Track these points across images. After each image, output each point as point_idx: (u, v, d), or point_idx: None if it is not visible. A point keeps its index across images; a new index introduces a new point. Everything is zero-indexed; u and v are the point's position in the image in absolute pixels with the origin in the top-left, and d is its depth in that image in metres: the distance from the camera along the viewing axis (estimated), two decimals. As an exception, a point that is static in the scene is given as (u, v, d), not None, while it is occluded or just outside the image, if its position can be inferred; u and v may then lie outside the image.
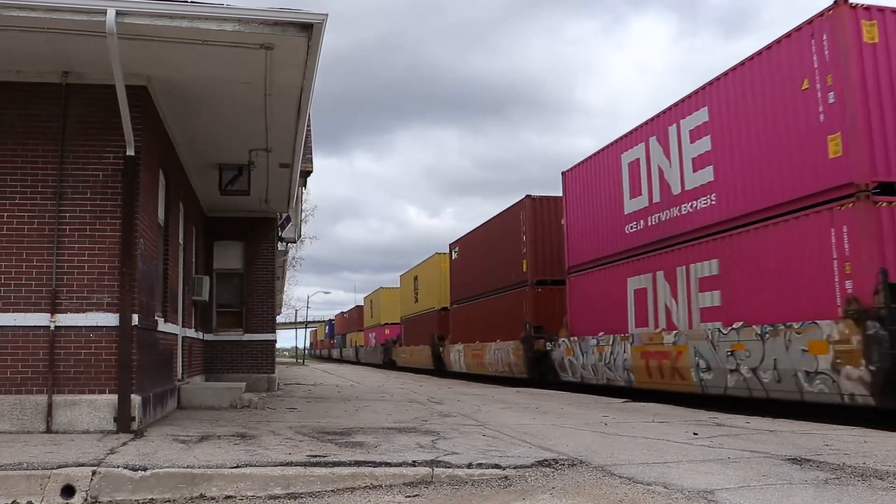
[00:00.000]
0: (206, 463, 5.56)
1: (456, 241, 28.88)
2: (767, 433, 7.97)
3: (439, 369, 30.33)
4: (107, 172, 8.04)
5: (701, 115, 13.16)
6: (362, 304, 59.94)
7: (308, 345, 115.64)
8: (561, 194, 19.38)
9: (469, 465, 5.67)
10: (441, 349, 29.72)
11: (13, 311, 7.72)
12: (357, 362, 58.45)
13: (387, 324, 46.23)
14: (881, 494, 4.75)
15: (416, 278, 36.44)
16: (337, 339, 75.87)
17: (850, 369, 9.42)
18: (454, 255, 28.94)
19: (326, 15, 7.07)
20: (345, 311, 73.36)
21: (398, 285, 43.55)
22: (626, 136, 15.82)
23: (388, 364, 43.04)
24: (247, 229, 16.29)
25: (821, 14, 10.35)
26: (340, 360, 70.08)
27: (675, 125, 13.96)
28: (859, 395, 9.35)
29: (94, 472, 5.18)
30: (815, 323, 10.00)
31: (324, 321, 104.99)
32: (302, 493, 5.17)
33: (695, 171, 13.28)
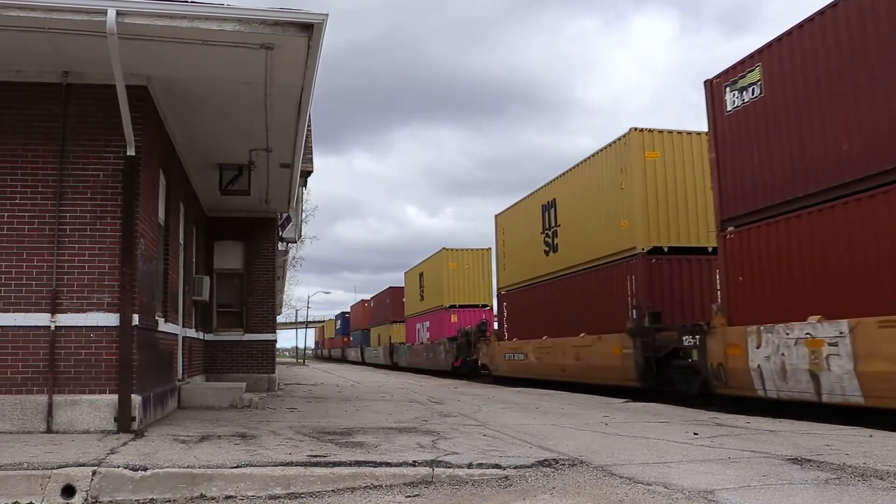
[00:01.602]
0: (206, 463, 5.56)
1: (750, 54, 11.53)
2: (768, 433, 7.96)
3: (659, 387, 13.77)
4: (107, 172, 8.04)
5: None
6: (396, 285, 43.83)
7: (313, 344, 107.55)
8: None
9: (469, 465, 5.67)
10: (702, 340, 12.23)
11: (13, 311, 7.71)
12: (392, 366, 40.63)
13: (455, 307, 31.02)
14: (882, 495, 4.74)
15: (547, 208, 19.18)
16: (355, 337, 59.85)
17: None
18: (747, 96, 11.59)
19: (327, 15, 7.07)
20: (366, 298, 56.54)
21: (472, 245, 29.74)
22: None
23: (467, 370, 26.43)
24: (247, 229, 16.29)
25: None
26: (362, 363, 52.35)
27: None
28: None
29: (94, 472, 5.18)
30: None
31: (327, 319, 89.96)
32: (302, 493, 5.17)
33: None
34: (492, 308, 29.81)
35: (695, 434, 7.90)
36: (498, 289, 23.25)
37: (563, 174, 18.87)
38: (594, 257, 16.74)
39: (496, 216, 24.08)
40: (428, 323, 33.85)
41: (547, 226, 19.47)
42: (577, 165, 18.06)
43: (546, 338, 18.97)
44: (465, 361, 26.82)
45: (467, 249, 31.63)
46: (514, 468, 5.66)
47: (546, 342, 18.97)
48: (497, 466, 5.67)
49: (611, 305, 15.80)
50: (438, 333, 31.44)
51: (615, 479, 5.33)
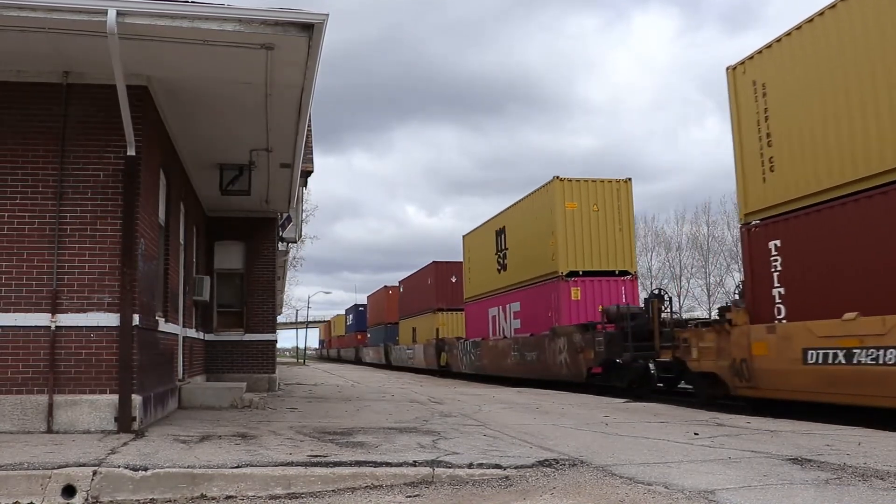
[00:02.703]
0: (206, 463, 5.56)
1: None
2: (768, 433, 7.96)
3: None
4: (107, 172, 8.05)
5: None
6: (435, 262, 32.39)
7: (317, 343, 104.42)
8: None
9: (470, 465, 5.67)
10: None
11: (14, 311, 7.71)
12: (439, 371, 29.29)
13: (578, 275, 18.54)
14: (882, 495, 4.74)
15: None
16: (375, 333, 48.18)
17: None
18: None
19: (327, 15, 7.07)
20: (389, 285, 44.72)
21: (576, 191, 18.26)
22: None
23: (624, 384, 16.13)
24: (247, 229, 16.30)
25: None
26: (386, 367, 41.97)
27: None
28: None
29: (94, 472, 5.18)
30: None
31: (333, 316, 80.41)
32: (303, 493, 5.17)
33: None
34: (635, 277, 19.41)
35: (695, 434, 7.90)
36: (744, 217, 11.97)
37: None
38: None
39: (730, 70, 12.11)
40: (517, 305, 21.33)
41: None
42: None
43: None
44: (617, 367, 16.30)
45: (596, 180, 19.23)
46: (515, 468, 5.65)
47: None
48: (497, 466, 5.67)
49: None
50: (540, 321, 19.44)
51: (616, 479, 5.33)
